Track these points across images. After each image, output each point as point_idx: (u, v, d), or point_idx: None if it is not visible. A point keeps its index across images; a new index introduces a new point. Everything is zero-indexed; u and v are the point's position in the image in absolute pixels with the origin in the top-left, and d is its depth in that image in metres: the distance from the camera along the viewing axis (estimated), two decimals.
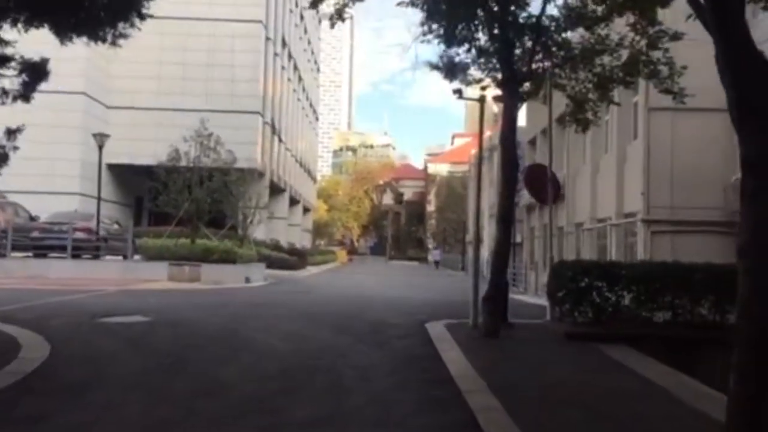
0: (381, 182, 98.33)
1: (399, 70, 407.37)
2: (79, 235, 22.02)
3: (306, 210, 64.15)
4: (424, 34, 16.96)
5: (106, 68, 37.50)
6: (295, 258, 36.48)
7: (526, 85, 15.47)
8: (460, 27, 15.56)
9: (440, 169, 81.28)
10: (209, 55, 38.00)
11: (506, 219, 12.10)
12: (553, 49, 14.95)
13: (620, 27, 14.33)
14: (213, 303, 15.29)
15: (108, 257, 23.42)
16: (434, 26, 16.95)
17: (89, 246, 22.34)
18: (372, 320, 13.13)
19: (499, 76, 16.88)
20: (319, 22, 71.62)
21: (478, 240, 12.72)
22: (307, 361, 8.68)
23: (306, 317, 13.27)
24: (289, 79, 48.92)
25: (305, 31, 57.62)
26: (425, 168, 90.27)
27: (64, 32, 10.52)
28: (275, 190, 44.87)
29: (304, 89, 58.25)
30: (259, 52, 38.87)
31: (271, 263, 31.38)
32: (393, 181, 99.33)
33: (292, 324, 12.15)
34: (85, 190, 34.31)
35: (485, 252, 51.63)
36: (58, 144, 33.29)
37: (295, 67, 52.28)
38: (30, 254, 22.60)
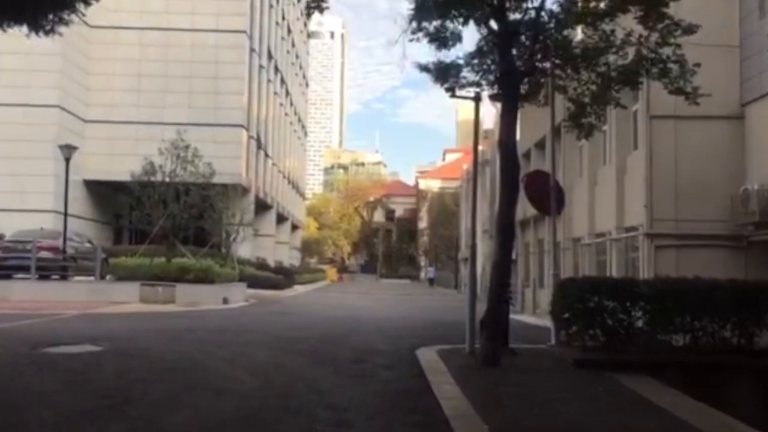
0: (372, 199, 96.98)
1: (390, 88, 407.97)
2: (45, 254, 20.54)
3: (294, 227, 62.73)
4: (413, 32, 15.70)
5: (83, 81, 36.15)
6: (281, 277, 35.03)
7: (523, 87, 14.21)
8: (452, 22, 14.32)
9: (432, 185, 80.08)
10: (191, 67, 36.70)
11: (507, 228, 10.70)
12: (552, 48, 13.74)
13: (627, 21, 13.14)
14: (181, 327, 13.86)
15: (78, 278, 21.94)
16: (424, 24, 15.71)
17: (55, 266, 20.85)
18: (356, 346, 11.76)
19: (494, 77, 15.62)
20: (308, 36, 70.74)
21: (474, 254, 11.38)
22: (275, 400, 7.29)
23: (282, 343, 11.87)
24: (275, 93, 47.66)
25: (293, 45, 56.47)
26: (416, 184, 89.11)
27: None
28: (261, 206, 43.46)
29: (292, 104, 57.01)
30: (243, 63, 37.58)
31: (255, 282, 30.04)
32: (384, 198, 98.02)
33: (265, 352, 10.75)
34: (59, 208, 32.43)
35: (478, 268, 50.49)
36: (30, 159, 31.85)
37: (282, 81, 51.05)
38: None
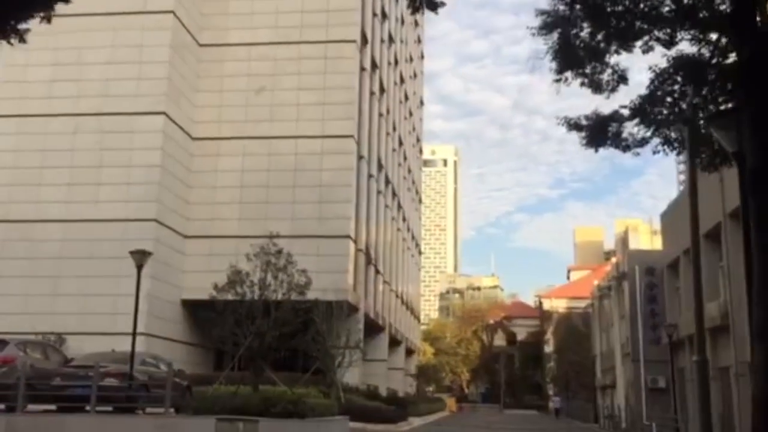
0: (491, 322, 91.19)
1: (504, 213, 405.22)
2: (110, 381, 17.13)
3: (410, 352, 58.08)
4: (559, 72, 11.80)
5: (184, 194, 34.29)
6: (393, 407, 30.38)
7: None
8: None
9: (557, 305, 73.88)
10: (295, 176, 34.25)
11: None
12: None
13: None
14: None
15: (150, 410, 18.30)
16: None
17: (121, 396, 17.32)
18: None
19: (673, 134, 11.43)
20: (420, 151, 68.75)
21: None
22: None
23: None
24: (387, 206, 44.66)
25: (404, 158, 54.06)
26: (540, 305, 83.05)
27: None
28: (372, 328, 39.48)
29: (404, 219, 53.89)
30: (350, 169, 34.80)
31: (364, 415, 25.77)
32: (504, 321, 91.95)
33: None
34: (151, 330, 30.07)
35: (620, 398, 43.87)
36: (122, 278, 29.38)
37: (394, 194, 48.17)
38: (54, 407, 17.83)
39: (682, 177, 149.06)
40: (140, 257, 18.56)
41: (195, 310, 33.29)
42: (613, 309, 45.55)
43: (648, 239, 77.04)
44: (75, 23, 33.65)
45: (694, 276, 8.89)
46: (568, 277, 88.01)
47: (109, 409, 17.54)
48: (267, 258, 19.30)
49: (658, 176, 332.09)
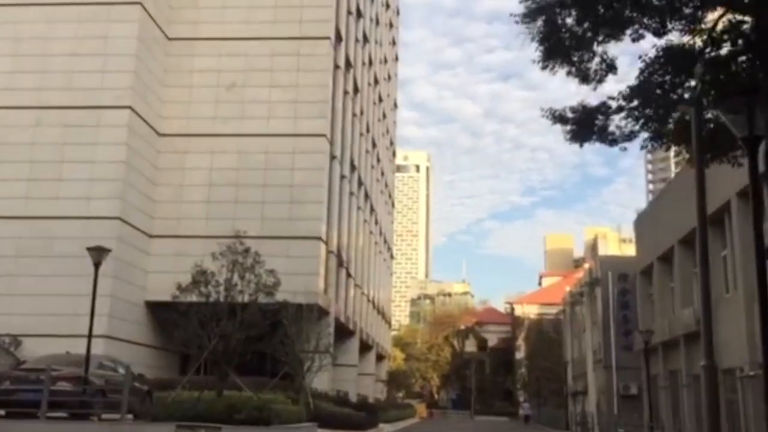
0: (462, 327, 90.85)
1: (475, 220, 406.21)
2: (63, 385, 16.14)
3: (380, 357, 57.34)
4: (545, 59, 11.20)
5: (150, 192, 33.16)
6: (363, 414, 29.73)
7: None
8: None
9: (528, 311, 73.77)
10: (265, 175, 33.25)
11: None
12: None
13: None
14: None
15: (106, 416, 17.33)
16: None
17: (74, 401, 16.33)
18: None
19: (668, 126, 10.96)
20: (393, 155, 68.19)
21: None
22: None
23: None
24: (359, 208, 43.87)
25: (378, 160, 53.36)
26: (512, 311, 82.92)
27: None
28: (343, 332, 38.65)
29: (377, 222, 53.14)
30: (322, 169, 33.89)
31: (333, 421, 25.08)
32: (475, 327, 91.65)
33: None
34: (113, 332, 28.94)
35: (591, 404, 43.58)
36: (83, 277, 28.04)
37: (367, 196, 47.39)
38: (2, 413, 16.78)
39: (652, 186, 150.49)
40: (98, 254, 17.62)
41: (159, 312, 32.19)
42: (585, 315, 45.33)
43: (616, 246, 77.39)
44: (38, 13, 32.61)
45: (701, 269, 8.32)
46: (540, 284, 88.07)
47: (63, 415, 16.62)
48: (234, 257, 18.50)
49: (626, 185, 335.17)
